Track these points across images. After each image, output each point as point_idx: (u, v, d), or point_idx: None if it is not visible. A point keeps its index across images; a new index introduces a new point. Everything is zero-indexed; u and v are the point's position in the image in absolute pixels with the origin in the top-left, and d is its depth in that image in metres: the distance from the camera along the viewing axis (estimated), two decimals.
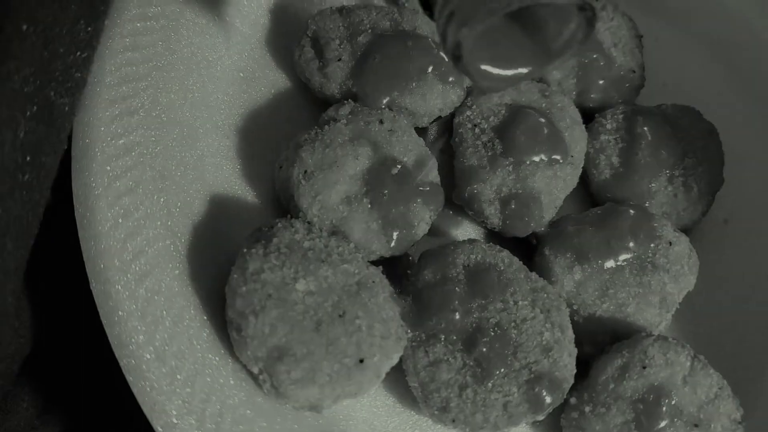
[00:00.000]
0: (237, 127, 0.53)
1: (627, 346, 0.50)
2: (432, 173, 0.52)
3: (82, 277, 0.43)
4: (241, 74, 0.55)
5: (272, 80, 0.57)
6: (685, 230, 0.58)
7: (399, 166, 0.51)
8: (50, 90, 0.43)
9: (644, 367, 0.49)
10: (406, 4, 0.60)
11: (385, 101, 0.54)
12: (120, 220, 0.44)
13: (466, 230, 0.58)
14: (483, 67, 0.37)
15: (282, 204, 0.51)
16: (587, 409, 0.49)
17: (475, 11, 0.32)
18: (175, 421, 0.40)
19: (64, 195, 0.46)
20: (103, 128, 0.45)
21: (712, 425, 0.49)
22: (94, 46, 0.47)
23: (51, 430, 0.54)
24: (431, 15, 0.36)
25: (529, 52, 0.36)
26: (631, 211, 0.55)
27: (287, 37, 0.58)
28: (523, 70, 0.37)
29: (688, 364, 0.50)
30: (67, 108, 0.45)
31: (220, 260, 0.47)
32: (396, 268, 0.52)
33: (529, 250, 0.56)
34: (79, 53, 0.45)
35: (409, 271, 0.51)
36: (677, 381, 0.49)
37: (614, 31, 0.64)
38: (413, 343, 0.48)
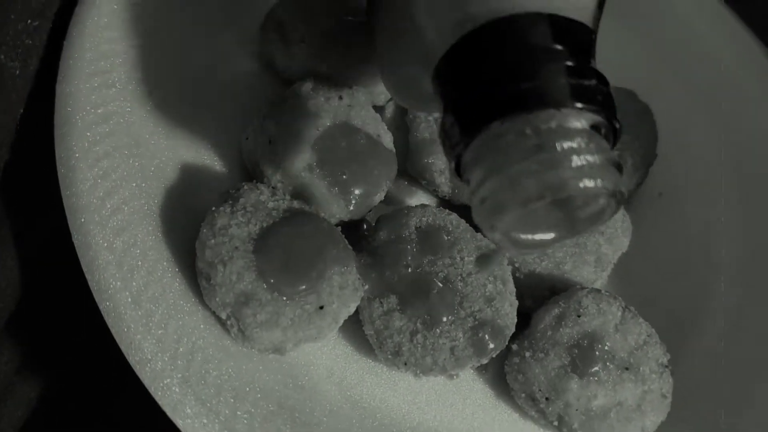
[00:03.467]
0: (206, 103, 0.57)
1: (563, 297, 0.55)
2: (387, 144, 0.57)
3: (66, 240, 0.47)
4: (210, 55, 0.59)
5: (239, 61, 0.61)
6: None
7: (358, 137, 0.55)
8: (0, 53, 0.47)
9: (579, 316, 0.54)
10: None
11: (344, 80, 0.59)
12: (99, 181, 0.48)
13: (420, 199, 0.62)
14: (512, 234, 0.35)
15: (248, 172, 0.56)
16: (527, 354, 0.53)
17: (508, 201, 0.32)
18: (149, 356, 0.44)
19: (48, 166, 0.49)
20: (83, 98, 0.49)
21: (641, 368, 0.53)
22: (47, 16, 0.51)
23: (30, 385, 0.57)
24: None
25: (556, 220, 0.35)
26: None
27: (253, 20, 0.62)
28: (550, 237, 0.35)
29: (620, 313, 0.55)
30: (17, 71, 0.48)
31: (189, 221, 0.51)
32: (354, 232, 0.56)
33: None
34: (30, 21, 0.49)
35: (366, 233, 0.56)
36: (609, 329, 0.54)
37: None
38: (369, 296, 0.52)
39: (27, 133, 0.51)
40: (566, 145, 0.31)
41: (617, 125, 0.32)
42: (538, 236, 0.35)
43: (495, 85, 0.32)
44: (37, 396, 0.58)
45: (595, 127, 0.32)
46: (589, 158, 0.31)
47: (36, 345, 0.56)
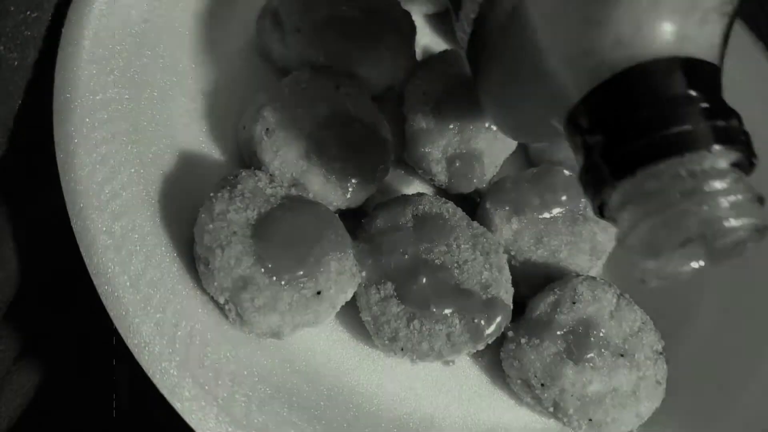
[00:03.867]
0: (203, 92, 0.58)
1: (559, 284, 0.55)
2: (384, 133, 0.57)
3: (65, 229, 0.48)
4: (207, 45, 0.60)
5: (236, 50, 0.61)
6: None
7: (355, 125, 0.55)
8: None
9: (574, 303, 0.54)
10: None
11: (341, 70, 0.59)
12: (98, 166, 0.48)
13: (416, 188, 0.63)
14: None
15: (245, 161, 0.56)
16: (523, 341, 0.54)
17: (665, 241, 0.33)
18: (147, 340, 0.44)
19: (51, 153, 0.50)
20: (82, 85, 0.50)
21: (636, 355, 0.54)
22: (46, 8, 0.51)
23: (27, 375, 0.57)
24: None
25: (695, 252, 0.35)
26: (565, 171, 0.61)
27: (249, 10, 0.62)
28: (691, 268, 0.35)
29: (615, 300, 0.55)
30: (16, 63, 0.49)
31: (187, 207, 0.51)
32: (351, 221, 0.56)
33: (473, 208, 0.62)
34: (29, 12, 0.49)
35: (363, 221, 0.56)
36: (604, 315, 0.54)
37: None
38: (366, 282, 0.52)
39: (24, 125, 0.51)
40: (719, 185, 0.32)
41: (755, 161, 0.34)
42: (681, 269, 0.35)
43: (646, 130, 0.33)
44: (34, 385, 0.58)
45: (735, 164, 0.33)
46: (740, 197, 0.32)
47: (34, 335, 0.56)
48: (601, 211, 0.36)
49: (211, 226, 0.48)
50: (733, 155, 0.33)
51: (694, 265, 0.35)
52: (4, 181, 0.51)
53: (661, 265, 0.34)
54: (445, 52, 0.65)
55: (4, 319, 0.53)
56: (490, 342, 0.53)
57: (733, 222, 0.32)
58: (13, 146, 0.50)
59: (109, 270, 0.45)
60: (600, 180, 0.35)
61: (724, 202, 0.32)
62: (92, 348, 0.60)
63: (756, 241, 0.34)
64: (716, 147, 0.33)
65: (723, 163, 0.33)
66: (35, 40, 0.51)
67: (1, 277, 0.52)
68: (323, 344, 0.52)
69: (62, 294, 0.57)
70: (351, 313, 0.53)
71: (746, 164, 0.34)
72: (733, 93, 0.36)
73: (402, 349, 0.51)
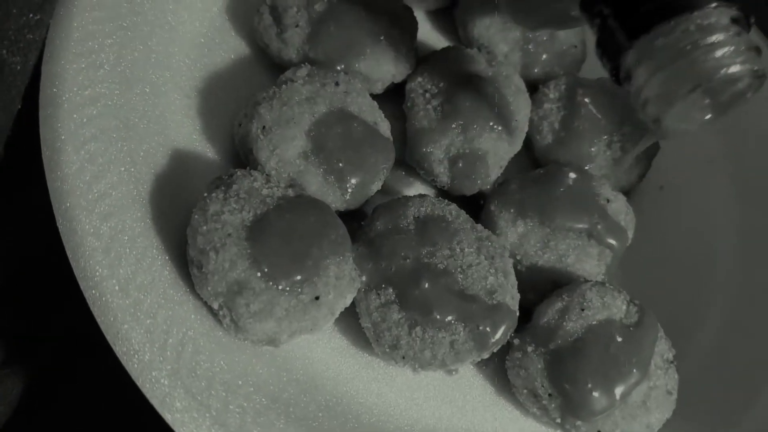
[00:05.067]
0: (197, 88, 0.56)
1: (567, 290, 0.53)
2: (384, 132, 0.55)
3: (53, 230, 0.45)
4: (202, 39, 0.58)
5: (232, 45, 0.59)
6: (624, 193, 0.62)
7: (355, 124, 0.53)
8: (2, 48, 0.45)
9: (583, 309, 0.52)
10: None
11: (340, 66, 0.57)
12: (86, 164, 0.46)
13: (417, 189, 0.61)
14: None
15: (241, 159, 0.54)
16: (530, 349, 0.52)
17: (676, 92, 0.39)
18: (137, 347, 0.42)
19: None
20: (70, 79, 0.48)
21: None
22: (47, 10, 0.49)
23: (13, 381, 0.55)
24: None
25: (705, 106, 0.42)
26: (572, 172, 0.59)
27: (246, 4, 0.60)
28: (705, 118, 0.42)
29: (624, 307, 0.53)
30: (18, 67, 0.47)
31: (180, 207, 0.49)
32: (350, 222, 0.54)
33: (476, 210, 0.59)
34: (32, 15, 0.47)
35: (362, 223, 0.54)
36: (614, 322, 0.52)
37: None
38: (366, 287, 0.50)
39: (25, 130, 0.49)
40: (721, 37, 0.38)
41: (752, 20, 0.40)
42: (692, 121, 0.42)
43: None
44: (18, 393, 0.56)
45: (735, 21, 0.39)
46: (739, 47, 0.39)
47: (20, 340, 0.54)
48: (616, 76, 0.42)
49: (204, 227, 0.45)
50: (733, 12, 0.39)
51: (704, 116, 0.42)
52: (2, 188, 0.49)
53: (674, 116, 0.41)
54: (447, 48, 0.63)
55: None
56: (495, 350, 0.51)
57: (732, 68, 0.38)
58: (12, 152, 0.49)
59: (97, 273, 0.43)
60: (616, 44, 0.41)
61: (726, 50, 0.38)
62: (79, 354, 0.58)
63: (755, 89, 0.40)
64: (716, 3, 0.39)
65: (725, 19, 0.39)
66: (37, 43, 0.49)
67: None
68: (321, 352, 0.50)
69: (49, 298, 0.55)
70: (350, 320, 0.51)
71: (744, 23, 0.40)
72: None
73: (403, 358, 0.49)
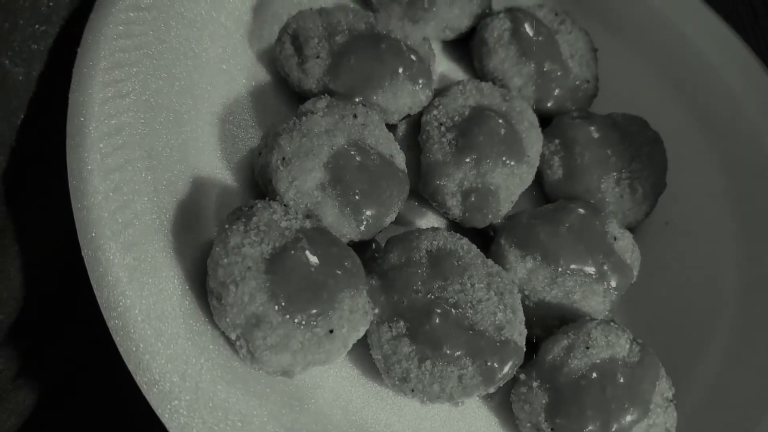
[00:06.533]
0: (219, 115, 0.57)
1: (573, 328, 0.55)
2: (400, 165, 0.56)
3: (72, 247, 0.46)
4: (224, 66, 0.59)
5: (253, 74, 0.60)
6: (630, 229, 0.63)
7: (372, 157, 0.54)
8: (5, 59, 0.46)
9: (588, 348, 0.53)
10: None
11: (358, 98, 0.58)
12: (111, 194, 0.47)
13: (429, 221, 0.62)
14: None
15: (260, 188, 0.55)
16: (535, 384, 0.53)
17: None
18: (157, 377, 0.43)
19: (56, 170, 0.48)
20: (96, 108, 0.49)
21: None
22: (54, 21, 0.50)
23: (24, 394, 0.56)
24: None
25: None
26: (580, 208, 0.60)
27: (268, 34, 0.61)
28: None
29: (627, 346, 0.55)
30: (21, 78, 0.48)
31: (201, 237, 0.50)
32: (364, 252, 0.56)
33: (486, 242, 0.61)
34: (38, 26, 0.48)
35: (376, 254, 0.55)
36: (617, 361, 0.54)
37: (572, 44, 0.70)
38: (378, 319, 0.51)
39: (28, 140, 0.50)
40: None
41: None
42: None
43: None
44: (31, 405, 0.57)
45: None
46: None
47: (34, 355, 0.55)
48: None
49: (225, 260, 0.46)
50: None
51: None
52: (8, 199, 0.50)
53: None
54: (463, 82, 0.64)
55: (6, 339, 0.52)
56: (501, 385, 0.52)
57: None
58: (15, 162, 0.49)
59: (120, 304, 0.44)
60: None
61: None
62: (92, 369, 0.59)
63: None
64: None
65: None
66: (42, 54, 0.50)
67: (5, 296, 0.51)
68: (332, 381, 0.52)
69: (64, 316, 0.56)
70: (361, 350, 0.52)
71: None
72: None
73: (412, 390, 0.50)
